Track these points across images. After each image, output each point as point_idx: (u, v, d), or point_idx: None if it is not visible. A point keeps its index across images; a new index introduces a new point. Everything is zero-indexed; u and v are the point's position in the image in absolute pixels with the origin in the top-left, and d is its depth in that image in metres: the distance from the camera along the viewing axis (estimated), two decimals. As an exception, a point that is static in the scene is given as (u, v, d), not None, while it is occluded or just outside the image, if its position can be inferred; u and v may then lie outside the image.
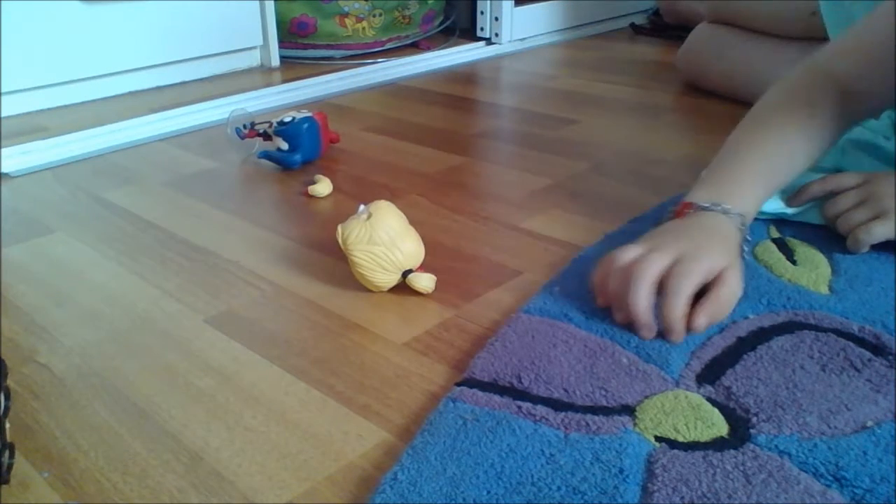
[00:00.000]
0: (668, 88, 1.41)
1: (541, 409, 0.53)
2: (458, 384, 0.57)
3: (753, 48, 1.24)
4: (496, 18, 1.78)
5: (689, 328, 0.61)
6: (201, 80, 1.52)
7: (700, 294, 0.61)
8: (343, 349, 0.64)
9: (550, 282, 0.71)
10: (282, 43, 1.63)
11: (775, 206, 0.78)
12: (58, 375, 0.61)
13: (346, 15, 1.64)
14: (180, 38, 1.46)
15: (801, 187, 0.78)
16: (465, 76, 1.56)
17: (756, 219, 0.73)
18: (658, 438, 0.51)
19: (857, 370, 0.57)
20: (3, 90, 1.25)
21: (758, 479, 0.47)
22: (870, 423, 0.51)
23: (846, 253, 0.73)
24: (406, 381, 0.59)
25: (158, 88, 1.46)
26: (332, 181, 0.97)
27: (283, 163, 1.03)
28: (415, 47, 1.78)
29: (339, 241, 0.70)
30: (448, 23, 1.89)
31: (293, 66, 1.63)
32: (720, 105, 1.29)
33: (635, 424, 0.52)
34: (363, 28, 1.68)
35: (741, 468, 0.48)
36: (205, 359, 0.63)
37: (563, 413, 0.53)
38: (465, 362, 0.60)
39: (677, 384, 0.56)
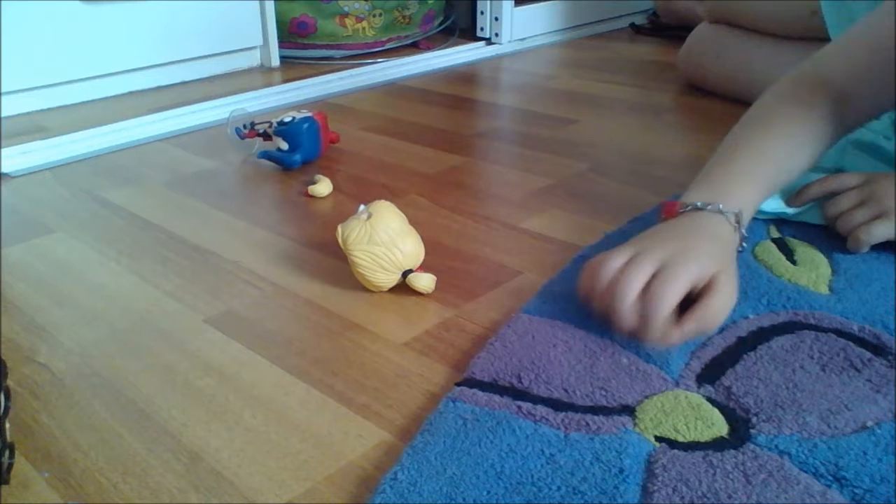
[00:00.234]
0: (668, 88, 1.41)
1: (541, 409, 0.53)
2: (458, 384, 0.57)
3: (753, 48, 1.24)
4: (496, 18, 1.78)
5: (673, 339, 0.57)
6: (201, 80, 1.52)
7: (693, 301, 0.58)
8: (343, 349, 0.64)
9: (550, 282, 0.71)
10: (282, 43, 1.63)
11: (775, 205, 0.78)
12: (58, 375, 0.61)
13: (346, 15, 1.64)
14: (180, 38, 1.46)
15: (801, 187, 0.78)
16: (465, 76, 1.56)
17: (756, 219, 0.73)
18: (658, 438, 0.51)
19: (857, 370, 0.57)
20: (3, 90, 1.25)
21: (758, 479, 0.47)
22: (870, 423, 0.51)
23: (846, 253, 0.73)
24: (406, 381, 0.59)
25: (158, 88, 1.46)
26: (332, 181, 0.97)
27: (283, 163, 1.03)
28: (415, 47, 1.78)
29: (339, 241, 0.70)
30: (448, 23, 1.89)
31: (293, 66, 1.63)
32: (720, 105, 1.29)
33: (635, 424, 0.52)
34: (363, 28, 1.68)
35: (741, 468, 0.48)
36: (205, 359, 0.63)
37: (563, 413, 0.53)
38: (465, 362, 0.60)
39: (677, 384, 0.56)
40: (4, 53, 1.24)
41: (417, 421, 0.54)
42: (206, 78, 1.53)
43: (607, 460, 0.49)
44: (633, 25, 1.94)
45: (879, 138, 0.86)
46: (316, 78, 1.52)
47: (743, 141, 0.71)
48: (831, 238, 0.75)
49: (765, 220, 0.79)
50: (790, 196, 0.78)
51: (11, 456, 0.51)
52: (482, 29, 1.81)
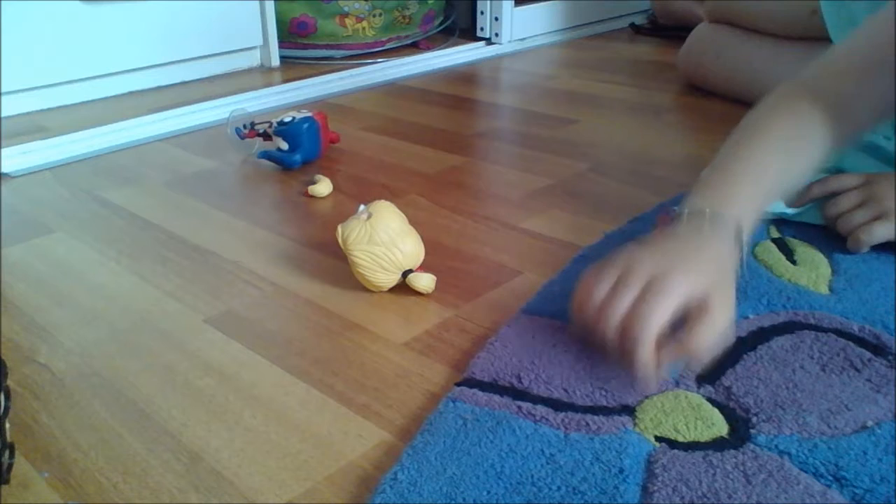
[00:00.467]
0: (668, 88, 1.41)
1: (541, 409, 0.53)
2: (458, 384, 0.57)
3: (753, 48, 1.24)
4: (496, 18, 1.78)
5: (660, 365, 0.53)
6: (201, 80, 1.52)
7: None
8: (343, 349, 0.64)
9: (550, 282, 0.71)
10: (282, 43, 1.63)
11: (775, 205, 0.78)
12: (58, 375, 0.61)
13: (346, 15, 1.64)
14: (180, 38, 1.46)
15: (801, 188, 0.78)
16: (465, 76, 1.56)
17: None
18: (658, 438, 0.51)
19: (857, 370, 0.57)
20: (3, 90, 1.25)
21: (758, 479, 0.47)
22: (870, 423, 0.51)
23: (846, 253, 0.73)
24: (406, 381, 0.59)
25: (158, 88, 1.46)
26: (332, 181, 0.97)
27: (283, 163, 1.03)
28: (415, 47, 1.78)
29: (339, 241, 0.70)
30: (448, 23, 1.89)
31: (293, 66, 1.63)
32: (720, 105, 1.29)
33: (635, 424, 0.52)
34: (363, 28, 1.68)
35: (741, 468, 0.48)
36: (205, 359, 0.63)
37: (563, 413, 0.53)
38: (465, 362, 0.60)
39: (677, 384, 0.56)
40: (4, 53, 1.24)
41: (417, 421, 0.54)
42: (206, 78, 1.53)
43: (607, 460, 0.49)
44: (633, 25, 1.94)
45: (879, 138, 0.86)
46: (316, 78, 1.52)
47: (740, 152, 0.68)
48: (831, 238, 0.75)
49: (765, 220, 0.79)
50: (791, 196, 0.78)
51: (11, 456, 0.51)
52: (482, 29, 1.81)
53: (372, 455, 0.52)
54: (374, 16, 1.68)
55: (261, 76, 1.56)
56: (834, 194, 0.76)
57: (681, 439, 0.51)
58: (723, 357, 0.59)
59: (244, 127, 1.06)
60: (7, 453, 0.50)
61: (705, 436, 0.51)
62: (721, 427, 0.52)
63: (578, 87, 1.44)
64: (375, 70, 1.59)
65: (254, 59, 1.62)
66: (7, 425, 0.52)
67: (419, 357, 0.62)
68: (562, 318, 0.64)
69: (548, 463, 0.49)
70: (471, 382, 0.57)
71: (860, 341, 0.60)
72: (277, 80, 1.51)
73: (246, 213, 0.90)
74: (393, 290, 0.72)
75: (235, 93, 1.40)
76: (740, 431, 0.51)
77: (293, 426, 0.55)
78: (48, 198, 0.96)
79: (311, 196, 0.94)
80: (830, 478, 0.47)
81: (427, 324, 0.67)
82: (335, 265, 0.76)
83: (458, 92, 1.44)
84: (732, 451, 0.49)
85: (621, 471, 0.48)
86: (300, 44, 1.65)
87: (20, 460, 0.52)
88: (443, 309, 0.69)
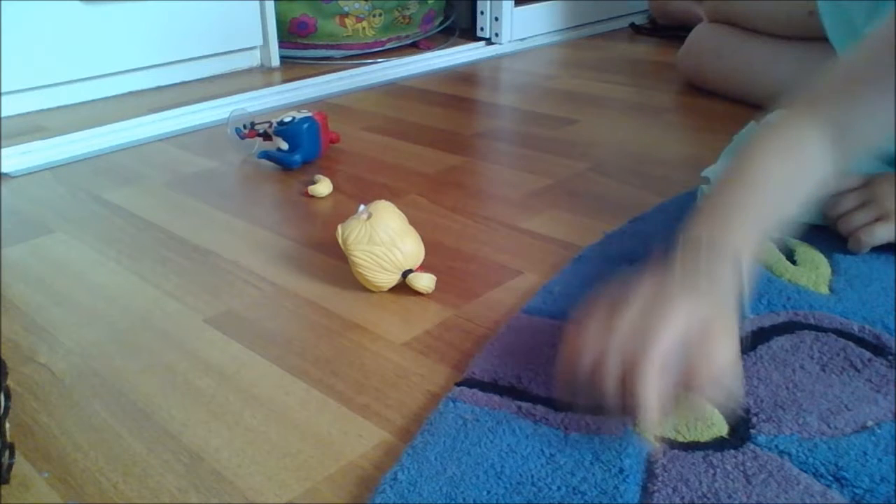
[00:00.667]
0: (668, 88, 1.41)
1: (541, 409, 0.53)
2: (458, 384, 0.57)
3: (753, 48, 1.24)
4: (496, 18, 1.78)
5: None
6: (201, 80, 1.52)
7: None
8: (343, 349, 0.64)
9: (550, 282, 0.71)
10: (282, 43, 1.63)
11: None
12: (58, 375, 0.61)
13: (346, 15, 1.64)
14: (180, 38, 1.46)
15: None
16: (465, 76, 1.56)
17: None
18: (658, 438, 0.51)
19: (857, 370, 0.57)
20: (3, 90, 1.25)
21: (758, 479, 0.47)
22: (870, 423, 0.51)
23: (846, 253, 0.73)
24: (406, 381, 0.59)
25: (158, 88, 1.46)
26: (332, 181, 0.97)
27: (283, 163, 1.03)
28: (415, 47, 1.78)
29: (339, 241, 0.70)
30: (448, 23, 1.89)
31: (293, 66, 1.63)
32: (720, 105, 1.29)
33: (635, 424, 0.52)
34: (363, 28, 1.68)
35: (741, 468, 0.48)
36: (205, 359, 0.63)
37: (563, 413, 0.53)
38: (464, 362, 0.60)
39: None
40: (4, 53, 1.24)
41: (417, 421, 0.54)
42: (206, 78, 1.53)
43: (607, 460, 0.49)
44: (632, 25, 1.94)
45: (880, 139, 0.86)
46: (316, 78, 1.52)
47: (739, 180, 0.63)
48: (831, 238, 0.75)
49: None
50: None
51: (11, 456, 0.51)
52: (482, 29, 1.81)
53: (372, 455, 0.52)
54: (374, 16, 1.68)
55: (261, 76, 1.56)
56: (835, 195, 0.76)
57: (681, 439, 0.51)
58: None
59: (244, 127, 1.06)
60: (7, 453, 0.50)
61: (705, 436, 0.51)
62: (721, 427, 0.52)
63: (578, 87, 1.44)
64: (375, 70, 1.59)
65: (254, 59, 1.62)
66: (7, 425, 0.52)
67: (419, 357, 0.62)
68: (562, 318, 0.64)
69: (548, 463, 0.49)
70: (471, 382, 0.57)
71: (860, 341, 0.60)
72: (277, 80, 1.51)
73: (246, 213, 0.90)
74: (393, 290, 0.72)
75: (235, 93, 1.40)
76: (740, 431, 0.51)
77: (293, 426, 0.55)
78: (48, 198, 0.96)
79: (311, 196, 0.94)
80: (830, 478, 0.47)
81: (427, 324, 0.67)
82: (335, 265, 0.76)
83: (458, 92, 1.44)
84: (732, 451, 0.49)
85: (621, 471, 0.48)
86: (300, 44, 1.65)
87: (20, 460, 0.52)
88: (443, 309, 0.69)
